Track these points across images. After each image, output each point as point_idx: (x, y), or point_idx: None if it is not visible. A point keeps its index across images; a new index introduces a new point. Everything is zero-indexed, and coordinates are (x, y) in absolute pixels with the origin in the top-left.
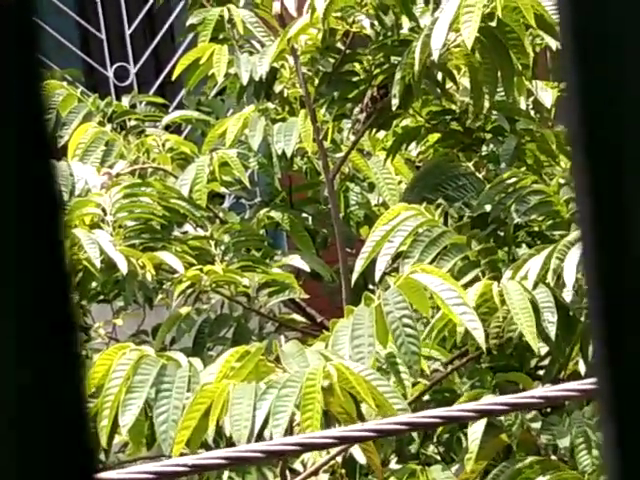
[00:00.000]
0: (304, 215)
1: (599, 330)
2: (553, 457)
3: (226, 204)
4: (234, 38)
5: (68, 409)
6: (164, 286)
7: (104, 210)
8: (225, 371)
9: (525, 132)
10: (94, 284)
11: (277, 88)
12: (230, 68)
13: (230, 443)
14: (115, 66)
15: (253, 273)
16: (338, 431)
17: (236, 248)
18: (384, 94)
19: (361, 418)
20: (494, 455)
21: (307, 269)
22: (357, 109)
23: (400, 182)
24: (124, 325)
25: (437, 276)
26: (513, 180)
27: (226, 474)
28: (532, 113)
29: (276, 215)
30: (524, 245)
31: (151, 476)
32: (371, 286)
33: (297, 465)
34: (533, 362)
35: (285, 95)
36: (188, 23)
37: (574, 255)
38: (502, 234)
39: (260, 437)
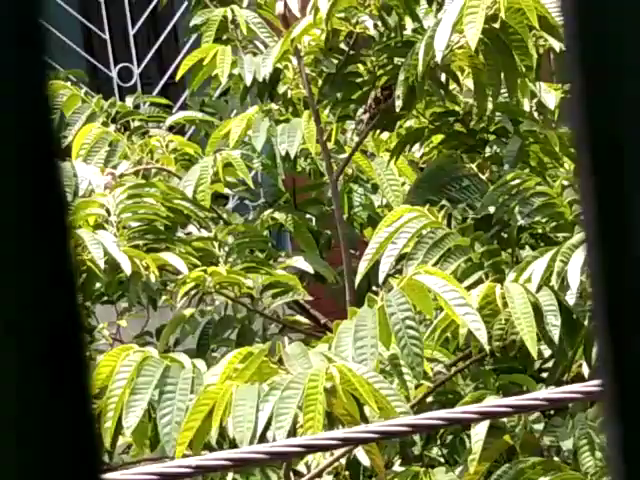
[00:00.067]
0: (308, 216)
1: (604, 331)
2: (556, 459)
3: (230, 205)
4: (238, 39)
5: (74, 409)
6: (168, 287)
7: (108, 211)
8: (228, 372)
9: (529, 134)
10: (98, 285)
11: (281, 89)
12: (234, 69)
13: (233, 445)
14: (119, 67)
15: (257, 274)
16: (342, 432)
17: (240, 249)
18: (388, 95)
19: (364, 420)
20: (497, 457)
21: (311, 270)
22: (361, 110)
23: (404, 183)
24: (128, 326)
25: (440, 277)
26: (517, 182)
27: (230, 476)
28: (535, 115)
29: (280, 216)
30: (527, 247)
31: (155, 477)
32: (375, 288)
33: (301, 467)
34: (537, 365)
35: (289, 96)
36: (192, 24)
37: (578, 258)
38: (506, 236)
39: (263, 439)
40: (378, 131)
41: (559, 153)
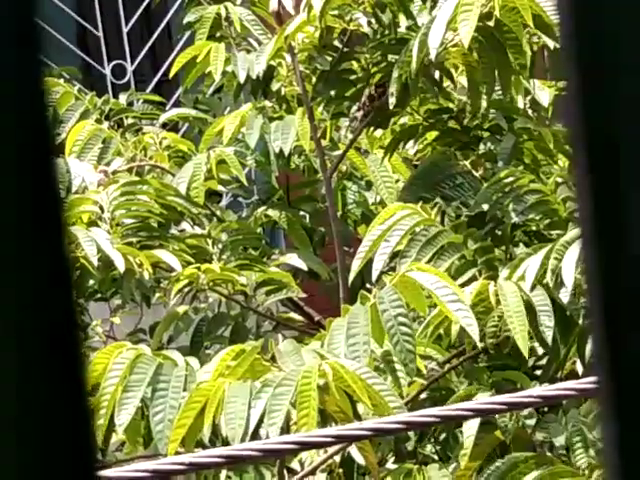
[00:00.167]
0: (301, 213)
1: (599, 329)
2: (548, 454)
3: (223, 202)
4: (231, 36)
5: (70, 406)
6: (161, 284)
7: (101, 208)
8: (221, 370)
9: (523, 131)
10: (91, 282)
11: (274, 86)
12: (227, 66)
13: (226, 442)
14: (112, 64)
15: (250, 272)
16: (336, 430)
17: (233, 246)
18: (382, 92)
19: (357, 417)
20: (489, 452)
21: (305, 268)
22: (355, 107)
23: (398, 180)
24: (121, 323)
25: (432, 274)
26: (510, 179)
27: (223, 473)
28: (529, 112)
29: (273, 213)
30: (521, 244)
31: (148, 474)
32: (368, 285)
33: (294, 464)
34: (531, 362)
35: (282, 93)
36: (185, 21)
37: (572, 255)
38: (499, 233)
39: (256, 436)
40: (372, 128)
41: (553, 150)
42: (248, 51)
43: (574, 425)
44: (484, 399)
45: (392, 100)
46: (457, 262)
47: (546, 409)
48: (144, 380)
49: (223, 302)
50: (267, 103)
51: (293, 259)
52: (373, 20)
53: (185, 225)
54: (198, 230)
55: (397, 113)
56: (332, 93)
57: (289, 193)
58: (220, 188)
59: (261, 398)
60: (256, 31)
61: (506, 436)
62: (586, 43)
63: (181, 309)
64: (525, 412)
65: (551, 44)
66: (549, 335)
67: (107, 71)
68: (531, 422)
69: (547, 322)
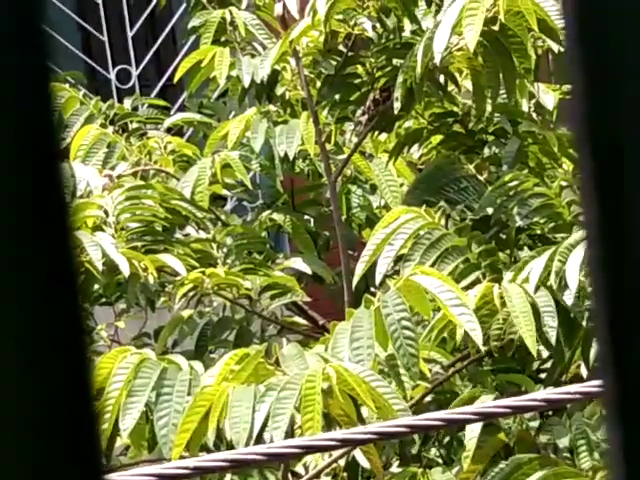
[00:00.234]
0: (306, 217)
1: (604, 332)
2: (552, 456)
3: (228, 206)
4: (236, 40)
5: (74, 409)
6: (166, 289)
7: (106, 212)
8: (225, 374)
9: (527, 134)
10: (96, 286)
11: (279, 90)
12: (232, 70)
13: (231, 446)
14: (117, 68)
15: (255, 276)
16: (340, 433)
17: (238, 251)
18: (386, 97)
19: (361, 421)
20: (493, 454)
21: (309, 272)
22: (359, 111)
23: (402, 184)
24: (126, 327)
25: (436, 278)
26: (515, 183)
27: (228, 477)
28: (534, 116)
29: (278, 217)
30: (526, 248)
31: (153, 478)
32: (373, 289)
33: (299, 468)
34: (535, 365)
35: (287, 97)
36: (190, 25)
37: (576, 257)
38: (504, 237)
39: (260, 440)
40: (376, 132)
41: (558, 154)
42: (253, 55)
43: (578, 427)
44: (488, 403)
45: (397, 105)
46: (461, 265)
47: (550, 412)
48: (148, 384)
49: (228, 306)
50: (272, 107)
51: (297, 263)
52: (378, 24)
53: (190, 229)
54: (203, 234)
55: (402, 117)
56: (337, 97)
57: (294, 197)
58: (225, 192)
59: (265, 402)
60: (261, 35)
61: (510, 438)
62: (590, 46)
63: (186, 313)
64: (529, 414)
65: (555, 48)
66: (553, 335)
67: (112, 76)
68: (535, 424)
69: (551, 322)
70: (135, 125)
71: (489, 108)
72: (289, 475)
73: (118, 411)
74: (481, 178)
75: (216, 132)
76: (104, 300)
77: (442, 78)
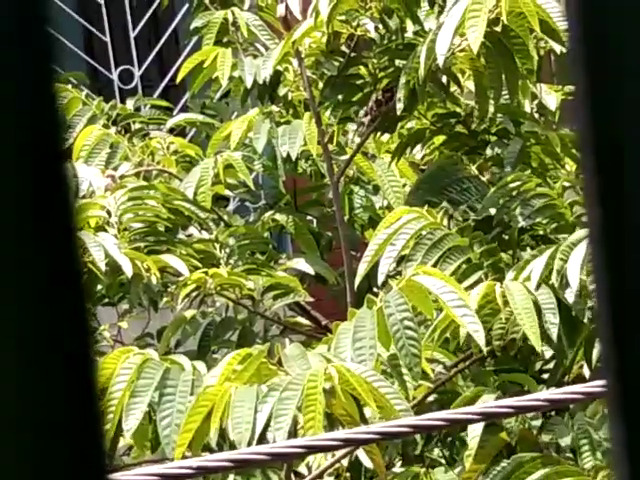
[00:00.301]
0: (309, 218)
1: (606, 332)
2: (554, 455)
3: (231, 207)
4: (238, 41)
5: (80, 409)
6: (169, 289)
7: (109, 212)
8: (227, 374)
9: (530, 135)
10: (99, 287)
11: (281, 91)
12: (234, 71)
13: (233, 446)
14: (120, 69)
15: (258, 276)
16: (343, 433)
17: (241, 251)
18: (389, 98)
19: (364, 421)
20: (496, 454)
21: (312, 272)
22: (362, 112)
23: (405, 185)
24: (129, 328)
25: (438, 278)
26: (517, 183)
27: (231, 477)
28: (536, 116)
29: (281, 218)
30: (529, 249)
31: (155, 478)
32: (375, 289)
33: (302, 468)
34: (538, 366)
35: (289, 98)
36: (192, 26)
37: (577, 255)
38: (507, 238)
39: (263, 440)
40: (379, 133)
41: (560, 154)
42: (255, 56)
43: (580, 427)
44: (491, 403)
45: (400, 106)
46: (463, 265)
47: (553, 412)
48: (151, 385)
49: (230, 306)
50: (274, 108)
51: (300, 263)
52: (380, 25)
53: (192, 230)
54: (205, 235)
55: (404, 118)
56: (339, 98)
57: (296, 198)
58: (227, 193)
59: (267, 402)
60: (263, 36)
61: (512, 438)
62: (591, 46)
63: (188, 313)
64: (531, 414)
65: (558, 49)
66: (554, 332)
67: (114, 76)
68: (537, 424)
69: (552, 319)
70: (138, 126)
71: (491, 109)
72: (292, 475)
73: (121, 411)
74: (483, 179)
75: (219, 133)
76: (107, 300)
77: (444, 79)
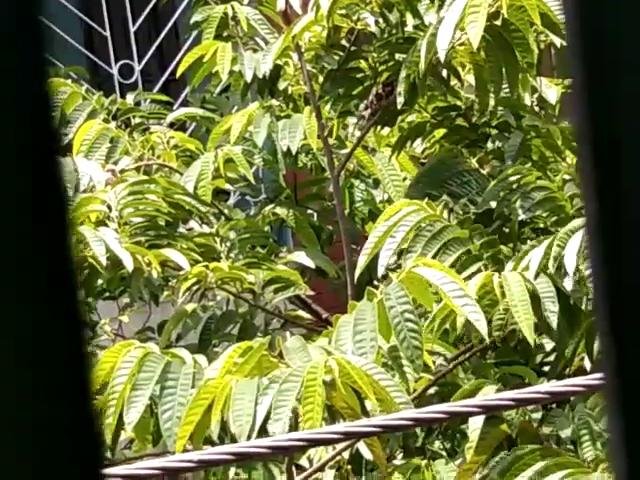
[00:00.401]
0: (309, 212)
1: (605, 325)
2: (554, 446)
3: (231, 201)
4: (238, 35)
5: (75, 402)
6: (170, 283)
7: (109, 207)
8: (228, 367)
9: (531, 128)
10: (100, 281)
11: (281, 85)
12: (234, 65)
13: (235, 439)
14: (119, 64)
15: (258, 270)
16: (344, 426)
17: (241, 245)
18: (389, 91)
19: (365, 413)
20: (496, 445)
21: (312, 266)
22: (362, 106)
23: (405, 178)
24: (130, 322)
25: (438, 269)
26: (517, 176)
27: (232, 470)
28: (536, 110)
29: (281, 212)
30: (529, 242)
31: (157, 471)
32: (376, 282)
33: (303, 461)
34: (539, 358)
35: (289, 92)
36: (192, 21)
37: (575, 242)
38: (507, 231)
39: (264, 432)
40: (379, 126)
41: (561, 147)
42: (255, 50)
43: (581, 418)
44: (492, 395)
45: (400, 99)
46: (463, 257)
47: (554, 405)
48: (152, 378)
49: (231, 300)
50: (274, 102)
51: (301, 257)
52: (380, 19)
53: (193, 224)
54: (206, 229)
55: (404, 111)
56: (339, 91)
57: (297, 191)
58: (228, 187)
59: (268, 394)
60: (263, 30)
61: (512, 430)
62: (589, 40)
63: (189, 307)
64: (531, 406)
65: (558, 42)
66: (554, 320)
67: (114, 71)
68: (537, 416)
69: (552, 307)
70: (138, 120)
71: (492, 102)
72: (293, 468)
73: (122, 405)
74: (484, 172)
75: (219, 127)
76: (108, 294)
77: (445, 72)
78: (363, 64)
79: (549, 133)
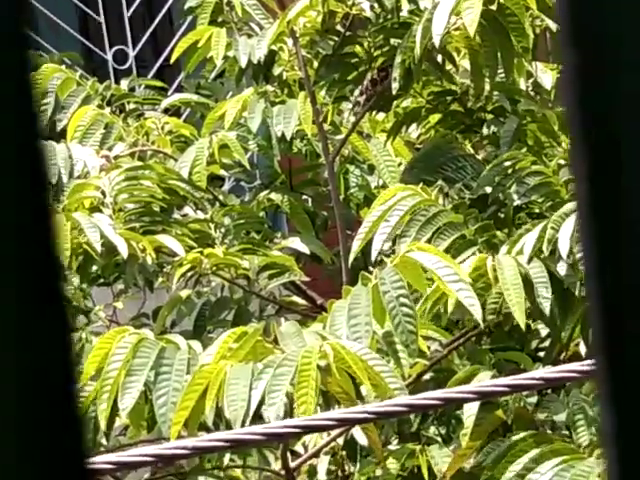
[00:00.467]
0: (304, 197)
1: (597, 314)
2: (549, 432)
3: (226, 187)
4: (233, 21)
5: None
6: (164, 269)
7: (104, 193)
8: (223, 352)
9: (526, 113)
10: (94, 267)
11: (276, 71)
12: (229, 51)
13: (230, 425)
14: (114, 49)
15: (253, 256)
16: (338, 413)
17: (236, 231)
18: (384, 77)
19: (360, 398)
20: (491, 431)
21: (307, 251)
22: (357, 91)
23: (400, 164)
24: (124, 308)
25: (433, 254)
26: (512, 161)
27: (227, 456)
28: (532, 95)
29: (276, 197)
30: (524, 227)
31: (152, 458)
32: (371, 268)
33: (298, 447)
34: (534, 344)
35: (284, 78)
36: (186, 6)
37: (568, 225)
38: (502, 216)
39: (258, 418)
40: (374, 112)
41: (557, 132)
42: (250, 36)
43: (576, 403)
44: (487, 382)
45: (395, 85)
46: (457, 241)
47: (549, 391)
48: (147, 364)
49: (226, 286)
50: (269, 87)
51: (295, 243)
52: (376, 4)
53: (188, 210)
54: (201, 215)
55: (399, 97)
56: (334, 77)
57: (291, 177)
58: (222, 172)
59: (262, 379)
60: (257, 16)
61: (507, 415)
62: (588, 41)
63: (184, 293)
64: (526, 392)
65: (554, 27)
66: (547, 306)
67: (109, 56)
68: (532, 401)
69: (544, 293)
70: (132, 106)
71: (487, 87)
72: (288, 454)
73: (117, 391)
74: (479, 157)
75: (213, 112)
76: (102, 281)
77: (440, 57)
78: (358, 49)
79: (545, 118)
